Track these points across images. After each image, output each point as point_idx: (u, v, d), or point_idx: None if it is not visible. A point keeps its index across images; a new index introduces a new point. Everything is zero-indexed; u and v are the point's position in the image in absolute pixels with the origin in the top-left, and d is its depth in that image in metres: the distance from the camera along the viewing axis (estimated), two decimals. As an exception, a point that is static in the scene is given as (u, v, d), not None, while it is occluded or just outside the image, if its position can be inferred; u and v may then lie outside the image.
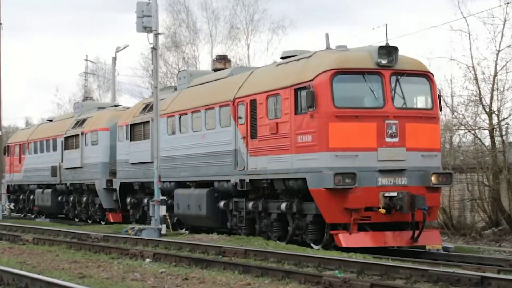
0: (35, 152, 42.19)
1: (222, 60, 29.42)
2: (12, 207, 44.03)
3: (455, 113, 29.40)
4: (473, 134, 28.98)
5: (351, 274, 14.30)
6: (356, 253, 18.02)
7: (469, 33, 28.07)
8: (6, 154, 45.88)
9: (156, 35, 26.29)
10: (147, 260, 17.52)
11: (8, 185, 45.08)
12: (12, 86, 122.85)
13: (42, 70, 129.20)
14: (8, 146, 46.09)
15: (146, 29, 26.03)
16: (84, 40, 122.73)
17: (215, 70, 28.82)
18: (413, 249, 20.80)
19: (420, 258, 18.88)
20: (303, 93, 20.30)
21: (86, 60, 74.56)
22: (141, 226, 25.91)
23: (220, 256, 17.87)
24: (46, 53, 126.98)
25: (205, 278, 14.16)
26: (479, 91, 27.89)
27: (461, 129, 29.51)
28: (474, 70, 27.97)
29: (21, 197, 44.64)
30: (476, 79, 27.97)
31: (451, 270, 13.25)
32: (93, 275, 14.71)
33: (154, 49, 26.51)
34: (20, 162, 44.14)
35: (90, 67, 75.38)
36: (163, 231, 25.14)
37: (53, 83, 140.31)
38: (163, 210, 25.49)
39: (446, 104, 28.74)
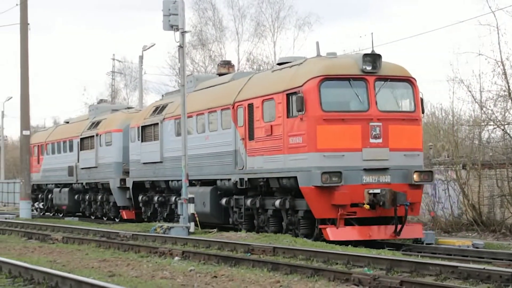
0: (53, 152, 43.44)
1: (226, 65, 30.75)
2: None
3: (484, 109, 29.16)
4: (502, 130, 28.80)
5: (381, 271, 14.32)
6: (385, 250, 18.92)
7: (497, 28, 27.83)
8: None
9: (183, 33, 26.40)
10: (176, 258, 17.58)
11: (27, 185, 46.34)
12: (40, 85, 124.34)
13: (71, 69, 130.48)
14: (27, 147, 47.36)
15: (173, 27, 26.06)
16: (112, 39, 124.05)
17: (220, 74, 30.14)
18: (442, 246, 21.66)
19: (450, 255, 19.44)
20: (294, 98, 21.67)
21: (113, 59, 75.35)
22: (170, 225, 25.97)
23: (249, 253, 18.02)
24: (74, 52, 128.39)
25: (234, 276, 14.16)
26: (508, 86, 27.83)
27: (490, 125, 29.38)
28: (503, 65, 27.81)
29: (39, 196, 45.85)
30: (505, 74, 27.82)
31: (481, 267, 13.09)
32: (122, 274, 14.74)
33: (181, 47, 26.65)
34: (38, 162, 45.34)
35: (117, 66, 76.15)
36: (192, 229, 25.25)
37: (81, 82, 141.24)
38: (191, 208, 25.63)
39: (474, 99, 29.17)
